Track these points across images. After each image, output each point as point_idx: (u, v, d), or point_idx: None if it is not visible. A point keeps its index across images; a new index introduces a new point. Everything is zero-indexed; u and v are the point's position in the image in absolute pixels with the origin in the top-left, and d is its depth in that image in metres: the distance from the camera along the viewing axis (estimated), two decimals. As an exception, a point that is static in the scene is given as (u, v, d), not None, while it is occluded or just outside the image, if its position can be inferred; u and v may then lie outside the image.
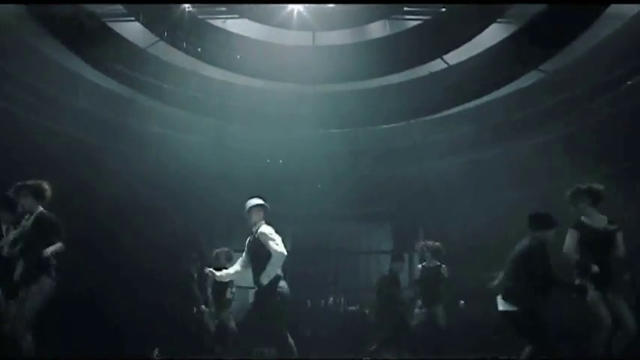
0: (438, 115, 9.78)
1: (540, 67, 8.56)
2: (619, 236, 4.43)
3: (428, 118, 9.85)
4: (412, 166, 10.04)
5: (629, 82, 7.66)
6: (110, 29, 8.36)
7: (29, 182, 4.47)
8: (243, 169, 9.70)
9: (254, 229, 4.79)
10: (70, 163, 7.57)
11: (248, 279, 4.86)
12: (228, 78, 9.57)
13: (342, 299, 9.93)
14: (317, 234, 10.36)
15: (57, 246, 4.34)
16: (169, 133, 9.64)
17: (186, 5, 8.38)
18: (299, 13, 8.70)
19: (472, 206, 9.20)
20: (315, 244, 10.36)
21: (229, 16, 9.35)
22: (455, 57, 9.11)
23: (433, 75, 9.30)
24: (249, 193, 5.02)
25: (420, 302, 6.72)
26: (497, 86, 8.92)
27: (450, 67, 9.17)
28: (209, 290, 7.12)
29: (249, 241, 4.86)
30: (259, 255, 4.65)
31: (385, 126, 10.18)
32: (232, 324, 7.26)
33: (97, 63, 8.52)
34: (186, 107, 9.55)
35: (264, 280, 4.51)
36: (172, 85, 9.14)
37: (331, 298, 9.98)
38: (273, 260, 4.56)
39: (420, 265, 6.91)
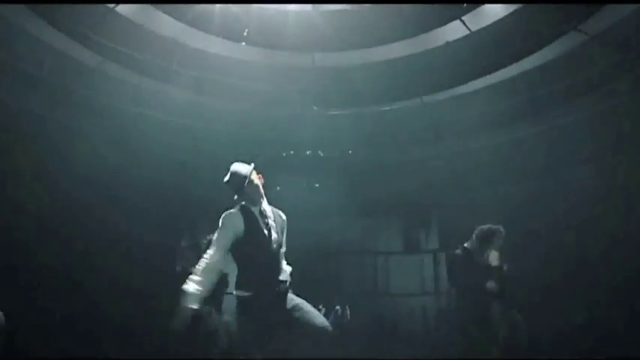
0: (456, 92, 8.39)
1: (580, 28, 7.24)
2: None
3: (444, 95, 8.45)
4: (427, 151, 8.60)
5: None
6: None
7: None
8: (225, 158, 8.15)
9: (264, 207, 3.36)
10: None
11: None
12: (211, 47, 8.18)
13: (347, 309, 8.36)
14: (313, 232, 8.74)
15: None
16: (140, 110, 8.13)
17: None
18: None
19: (503, 197, 7.73)
20: (312, 244, 8.73)
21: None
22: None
23: (452, 44, 7.97)
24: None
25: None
26: (529, 52, 7.62)
27: (473, 33, 7.84)
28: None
29: (269, 220, 3.32)
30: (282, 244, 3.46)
31: (395, 106, 8.75)
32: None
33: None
34: (161, 80, 8.12)
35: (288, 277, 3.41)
36: (147, 53, 7.80)
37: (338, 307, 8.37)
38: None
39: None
